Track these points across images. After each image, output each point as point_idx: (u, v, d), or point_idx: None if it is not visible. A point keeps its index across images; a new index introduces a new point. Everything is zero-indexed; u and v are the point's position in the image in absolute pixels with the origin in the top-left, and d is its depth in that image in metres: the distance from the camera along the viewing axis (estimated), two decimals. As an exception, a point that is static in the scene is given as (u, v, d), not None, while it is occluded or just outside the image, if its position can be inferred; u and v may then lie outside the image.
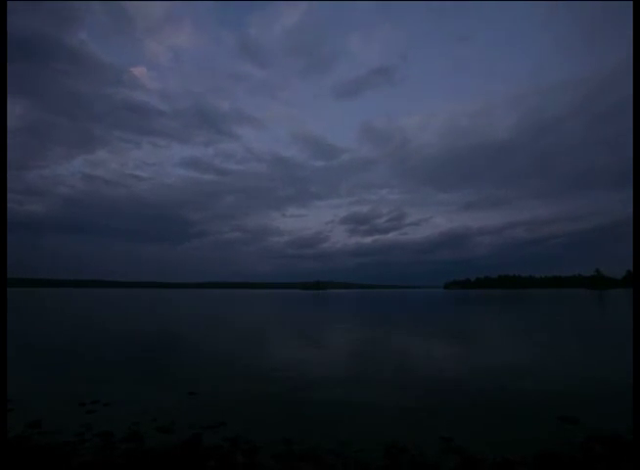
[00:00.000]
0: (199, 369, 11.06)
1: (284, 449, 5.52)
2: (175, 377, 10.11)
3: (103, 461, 5.03)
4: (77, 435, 6.06)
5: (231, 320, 29.44)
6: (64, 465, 4.93)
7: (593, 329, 21.25)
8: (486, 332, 20.49)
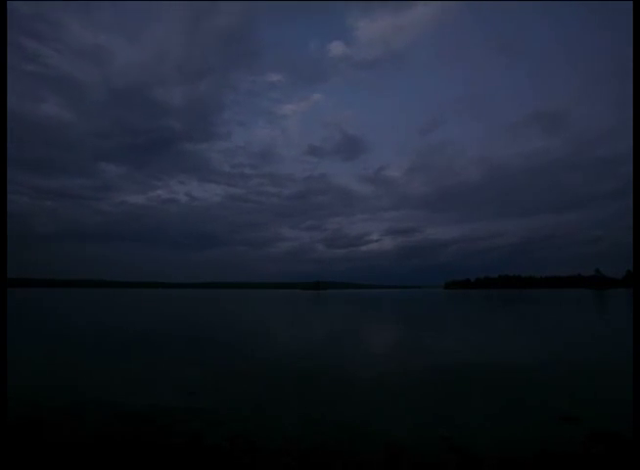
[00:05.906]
0: (199, 368, 11.06)
1: (284, 449, 5.52)
2: (175, 376, 10.12)
3: (103, 461, 5.04)
4: (77, 434, 6.06)
5: (235, 319, 29.51)
6: (63, 464, 4.93)
7: (593, 328, 21.25)
8: (487, 331, 20.49)
